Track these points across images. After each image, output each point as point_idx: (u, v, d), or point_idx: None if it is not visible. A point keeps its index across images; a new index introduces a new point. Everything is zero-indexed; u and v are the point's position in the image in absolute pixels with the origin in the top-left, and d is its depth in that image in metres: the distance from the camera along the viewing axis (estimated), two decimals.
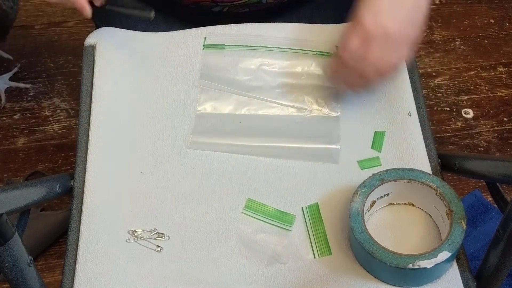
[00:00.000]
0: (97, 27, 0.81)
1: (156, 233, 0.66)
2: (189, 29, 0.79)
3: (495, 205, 0.61)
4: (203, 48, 0.76)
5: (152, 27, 0.79)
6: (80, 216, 0.66)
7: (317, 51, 0.75)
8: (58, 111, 1.37)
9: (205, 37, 0.76)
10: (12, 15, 1.28)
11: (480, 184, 1.23)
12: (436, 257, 0.58)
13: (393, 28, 0.63)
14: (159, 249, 0.65)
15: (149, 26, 0.78)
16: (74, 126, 1.34)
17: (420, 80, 0.75)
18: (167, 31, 0.78)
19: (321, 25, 0.78)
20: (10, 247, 0.56)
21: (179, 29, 0.79)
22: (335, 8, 0.89)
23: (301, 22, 0.78)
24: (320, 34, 0.77)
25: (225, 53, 0.75)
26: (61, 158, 1.30)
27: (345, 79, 0.69)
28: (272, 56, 0.75)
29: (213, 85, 0.74)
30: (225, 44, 0.76)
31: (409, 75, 0.74)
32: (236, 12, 0.82)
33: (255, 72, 0.74)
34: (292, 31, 0.77)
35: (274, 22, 0.79)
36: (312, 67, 0.74)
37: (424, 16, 0.66)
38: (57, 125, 1.35)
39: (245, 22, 0.79)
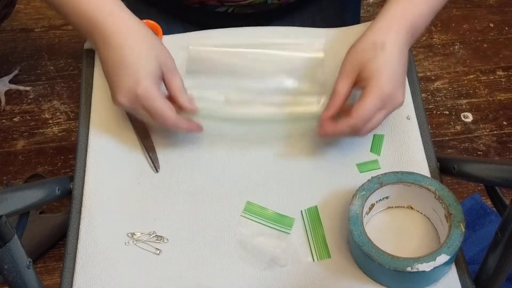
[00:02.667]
0: None
1: (155, 236, 0.66)
2: (190, 33, 0.79)
3: (494, 208, 0.61)
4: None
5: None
6: (79, 218, 0.66)
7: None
8: (58, 113, 1.38)
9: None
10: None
11: (479, 187, 1.23)
12: (434, 260, 0.58)
13: (396, 94, 0.64)
14: (158, 252, 0.65)
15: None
16: (74, 129, 1.34)
17: (419, 83, 0.75)
18: (168, 32, 0.78)
19: (318, 28, 0.78)
20: (9, 249, 0.56)
21: (180, 30, 0.79)
22: (337, 10, 0.90)
23: (303, 24, 0.78)
24: (315, 36, 0.77)
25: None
26: (61, 161, 1.30)
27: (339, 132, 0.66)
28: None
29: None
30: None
31: (408, 78, 0.74)
32: (240, 13, 0.83)
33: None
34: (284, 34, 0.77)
35: (277, 23, 0.79)
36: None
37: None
38: (56, 128, 1.35)
39: (249, 23, 0.79)
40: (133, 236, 0.66)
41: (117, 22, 0.65)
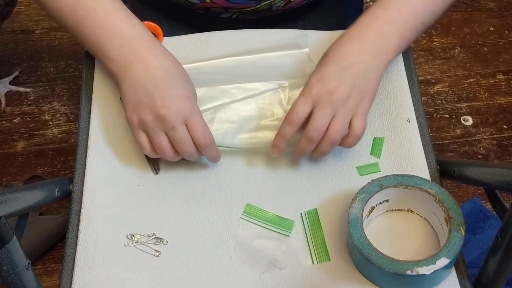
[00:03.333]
0: None
1: (154, 237, 0.66)
2: (191, 35, 0.79)
3: (494, 212, 0.61)
4: None
5: None
6: (78, 220, 0.66)
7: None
8: (58, 115, 1.38)
9: None
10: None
11: (479, 191, 1.23)
12: (434, 263, 0.58)
13: (338, 94, 0.63)
14: (157, 253, 0.65)
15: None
16: (74, 131, 1.34)
17: (420, 87, 0.75)
18: (170, 36, 0.78)
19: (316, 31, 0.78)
20: (8, 250, 0.55)
21: (182, 35, 0.79)
22: (340, 16, 0.90)
23: (305, 29, 0.78)
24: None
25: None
26: (61, 162, 1.30)
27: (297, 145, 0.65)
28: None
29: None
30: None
31: (408, 82, 0.75)
32: (244, 19, 0.83)
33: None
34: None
35: (281, 27, 0.79)
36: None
37: (374, 89, 0.65)
38: (56, 129, 1.35)
39: (253, 28, 0.79)
40: (132, 238, 0.65)
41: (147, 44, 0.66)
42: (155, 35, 0.74)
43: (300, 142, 0.64)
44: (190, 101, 0.64)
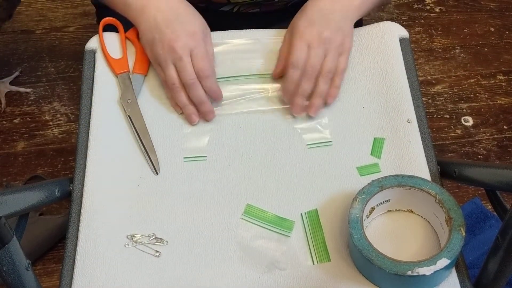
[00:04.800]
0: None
1: (154, 238, 0.66)
2: None
3: (495, 213, 0.61)
4: None
5: None
6: (78, 220, 0.66)
7: None
8: (58, 115, 1.37)
9: None
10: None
11: (479, 192, 1.23)
12: (435, 264, 0.58)
13: (326, 34, 0.71)
14: (157, 254, 0.65)
15: None
16: (74, 131, 1.34)
17: (420, 87, 0.75)
18: None
19: None
20: (8, 251, 0.55)
21: None
22: None
23: None
24: None
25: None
26: (61, 163, 1.30)
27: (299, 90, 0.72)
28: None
29: None
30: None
31: (408, 82, 0.75)
32: (245, 12, 0.82)
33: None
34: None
35: (281, 23, 0.79)
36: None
37: (351, 25, 0.74)
38: (57, 130, 1.35)
39: (254, 23, 0.79)
40: (132, 238, 0.65)
41: None
42: (118, 30, 0.78)
43: (300, 84, 0.71)
44: (197, 35, 0.72)
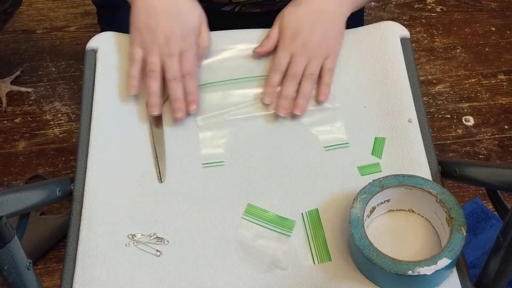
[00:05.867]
0: (102, 30, 0.81)
1: (155, 237, 0.66)
2: None
3: (496, 212, 0.61)
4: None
5: None
6: (79, 220, 0.66)
7: None
8: (59, 115, 1.38)
9: None
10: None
11: (480, 191, 1.23)
12: (436, 264, 0.58)
13: (311, 44, 0.73)
14: (158, 253, 0.65)
15: None
16: (75, 130, 1.34)
17: (421, 87, 0.75)
18: None
19: None
20: (9, 250, 0.56)
21: None
22: None
23: None
24: None
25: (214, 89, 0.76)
26: (62, 162, 1.30)
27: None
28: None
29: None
30: (214, 82, 0.76)
31: (409, 82, 0.75)
32: (246, 12, 0.82)
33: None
34: None
35: None
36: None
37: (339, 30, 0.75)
38: (58, 129, 1.35)
39: (255, 23, 0.79)
40: (133, 238, 0.65)
41: None
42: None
43: (283, 86, 0.72)
44: (191, 36, 0.71)
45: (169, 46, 0.70)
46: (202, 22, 0.74)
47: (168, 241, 0.65)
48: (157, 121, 0.72)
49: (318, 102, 0.73)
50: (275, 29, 0.75)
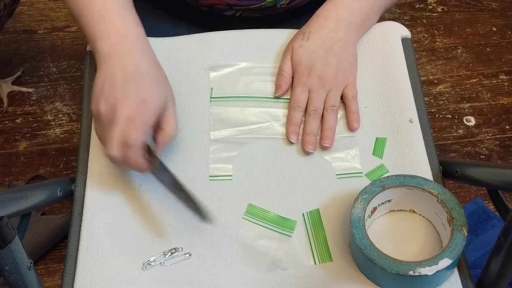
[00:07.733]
0: None
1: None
2: (194, 34, 0.79)
3: (497, 213, 0.61)
4: (210, 100, 0.74)
5: (158, 31, 0.79)
6: (80, 220, 0.66)
7: None
8: (60, 115, 1.38)
9: (212, 88, 0.75)
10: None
11: (481, 192, 1.23)
12: (437, 264, 0.58)
13: (326, 76, 0.72)
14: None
15: (155, 30, 0.79)
16: (76, 131, 1.34)
17: (422, 87, 0.75)
18: (173, 35, 0.78)
19: None
20: (10, 250, 0.56)
21: (186, 33, 0.79)
22: None
23: None
24: None
25: (232, 104, 0.74)
26: (63, 162, 1.30)
27: None
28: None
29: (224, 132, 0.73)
30: (231, 96, 0.75)
31: (410, 82, 0.75)
32: (247, 17, 0.83)
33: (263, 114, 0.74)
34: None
35: (284, 27, 0.79)
36: None
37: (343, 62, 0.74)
38: (59, 130, 1.35)
39: (256, 26, 0.79)
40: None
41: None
42: None
43: (306, 123, 0.71)
44: (145, 105, 0.62)
45: (117, 113, 0.61)
46: (164, 99, 0.65)
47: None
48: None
49: (352, 130, 0.71)
50: (287, 64, 0.74)
